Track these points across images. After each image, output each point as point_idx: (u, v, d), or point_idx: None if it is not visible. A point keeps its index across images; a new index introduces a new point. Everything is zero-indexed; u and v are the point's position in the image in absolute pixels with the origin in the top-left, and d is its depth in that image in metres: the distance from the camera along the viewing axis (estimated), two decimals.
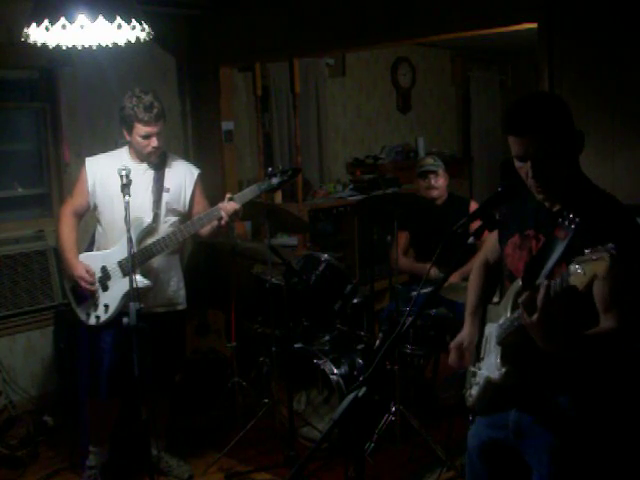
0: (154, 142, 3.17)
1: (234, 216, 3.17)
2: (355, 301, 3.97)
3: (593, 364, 1.81)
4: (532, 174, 1.80)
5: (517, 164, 1.85)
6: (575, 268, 1.51)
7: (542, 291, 1.59)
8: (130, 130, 3.17)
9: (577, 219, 1.61)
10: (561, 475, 1.87)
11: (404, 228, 4.22)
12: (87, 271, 3.19)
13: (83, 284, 3.19)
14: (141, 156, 3.24)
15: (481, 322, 2.11)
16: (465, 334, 2.12)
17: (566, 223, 1.62)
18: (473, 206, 4.19)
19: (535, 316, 1.60)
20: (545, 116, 1.79)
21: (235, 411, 4.08)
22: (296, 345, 3.77)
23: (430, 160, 4.29)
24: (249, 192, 3.22)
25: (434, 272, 3.88)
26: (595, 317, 1.74)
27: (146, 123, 3.12)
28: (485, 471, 2.08)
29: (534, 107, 1.83)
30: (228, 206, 3.14)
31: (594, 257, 1.48)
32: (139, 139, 3.17)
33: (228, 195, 3.20)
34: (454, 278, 3.84)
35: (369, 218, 4.04)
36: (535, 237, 1.90)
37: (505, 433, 1.98)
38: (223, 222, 3.16)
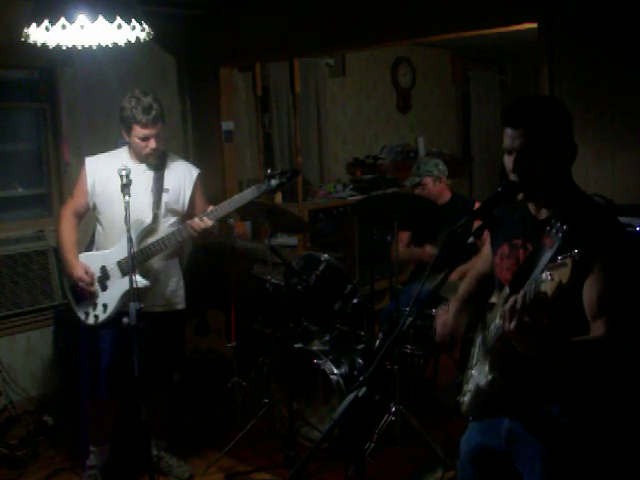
0: (152, 144, 3.17)
1: (205, 234, 3.16)
2: (355, 301, 3.97)
3: (585, 373, 1.81)
4: (513, 167, 1.81)
5: (505, 158, 1.86)
6: (546, 275, 1.52)
7: (519, 299, 1.59)
8: (129, 131, 3.17)
9: (564, 227, 1.61)
10: None
11: (405, 228, 4.22)
12: (86, 272, 3.19)
13: (82, 285, 3.20)
14: (140, 157, 3.24)
15: (463, 315, 2.15)
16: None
17: (553, 231, 1.62)
18: (478, 207, 4.18)
19: (513, 323, 1.60)
20: (542, 114, 1.81)
21: (235, 411, 4.08)
22: (296, 345, 3.77)
23: (414, 169, 4.28)
24: (247, 194, 3.19)
25: (430, 249, 3.93)
26: (582, 325, 1.74)
27: (144, 125, 3.12)
28: (475, 477, 2.08)
29: (535, 104, 1.86)
30: (201, 223, 3.12)
31: (560, 263, 1.50)
32: (137, 141, 3.17)
33: (211, 208, 3.19)
34: (454, 276, 3.84)
35: (369, 218, 4.04)
36: (523, 246, 1.90)
37: (497, 441, 1.97)
38: (194, 235, 3.16)
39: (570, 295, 1.62)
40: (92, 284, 3.20)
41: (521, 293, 1.60)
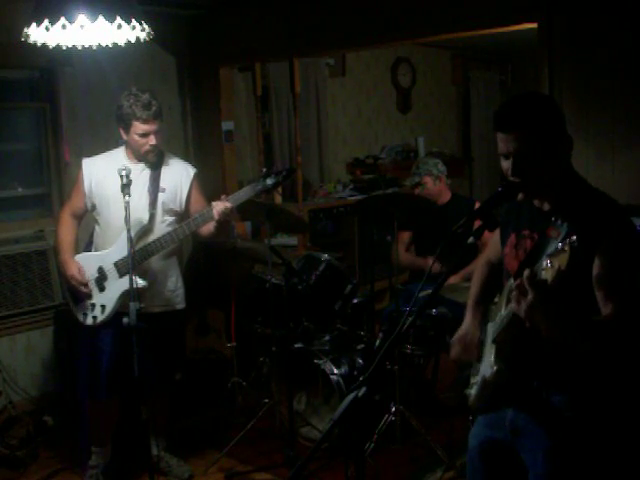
0: (152, 140, 3.17)
1: (225, 214, 3.10)
2: (355, 301, 3.97)
3: (589, 363, 1.82)
4: (511, 171, 1.83)
5: (502, 161, 1.87)
6: (546, 262, 1.54)
7: (525, 276, 1.60)
8: (128, 129, 3.16)
9: (569, 217, 1.63)
10: (555, 475, 1.88)
11: (405, 228, 4.22)
12: (79, 271, 3.20)
13: (74, 283, 3.20)
14: (138, 156, 3.23)
15: (483, 318, 2.13)
16: (466, 326, 2.14)
17: (558, 222, 1.64)
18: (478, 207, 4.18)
19: (523, 302, 1.61)
20: (532, 115, 1.81)
21: (235, 411, 4.08)
22: (296, 345, 3.77)
23: (413, 169, 4.30)
24: (243, 194, 3.18)
25: (436, 267, 3.89)
26: (595, 311, 1.76)
27: (144, 121, 3.12)
28: (484, 470, 2.10)
29: (522, 105, 1.85)
30: (220, 204, 3.09)
31: (560, 250, 1.52)
32: (137, 137, 3.16)
33: (223, 196, 3.18)
34: (455, 279, 3.84)
35: (369, 218, 4.03)
36: (530, 237, 1.93)
37: (503, 433, 1.99)
38: (215, 218, 3.11)
39: (575, 280, 1.62)
40: (85, 284, 3.20)
41: (526, 273, 1.60)
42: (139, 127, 3.13)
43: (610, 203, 1.84)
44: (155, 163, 3.29)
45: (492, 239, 2.21)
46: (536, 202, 1.92)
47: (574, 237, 1.50)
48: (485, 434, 2.08)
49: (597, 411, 1.86)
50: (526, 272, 1.60)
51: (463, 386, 2.12)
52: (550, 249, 1.60)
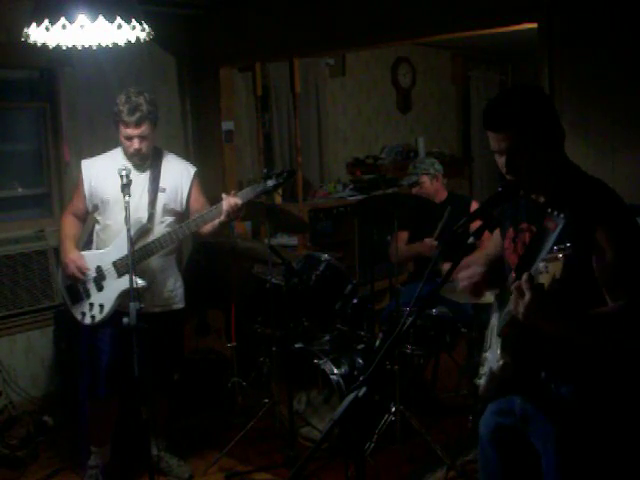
0: (135, 144, 3.17)
1: (234, 210, 3.06)
2: (355, 301, 3.97)
3: (595, 354, 1.83)
4: (505, 169, 1.84)
5: (496, 158, 1.88)
6: (542, 266, 1.55)
7: (523, 281, 1.61)
8: (117, 129, 3.19)
9: (566, 209, 1.63)
10: (567, 465, 1.89)
11: (404, 228, 4.22)
12: (79, 258, 3.21)
13: (73, 267, 3.18)
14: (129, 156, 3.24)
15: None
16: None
17: (555, 213, 1.64)
18: (474, 206, 4.19)
19: (521, 307, 1.62)
20: (521, 113, 1.81)
21: (235, 411, 4.08)
22: (296, 345, 3.77)
23: (410, 168, 4.32)
24: (244, 194, 3.15)
25: (429, 241, 3.94)
26: (596, 303, 1.76)
27: (126, 125, 3.13)
28: (496, 457, 2.11)
29: (510, 104, 1.85)
30: (231, 199, 3.06)
31: (554, 256, 1.53)
32: (122, 139, 3.19)
33: (233, 192, 3.16)
34: (454, 277, 3.84)
35: (369, 218, 4.04)
36: (529, 230, 1.94)
37: (513, 419, 2.01)
38: (223, 217, 3.08)
39: (575, 275, 1.63)
40: (84, 268, 3.20)
41: (524, 277, 1.61)
42: (123, 130, 3.15)
43: (605, 190, 1.85)
44: (155, 163, 3.29)
45: (493, 235, 2.22)
46: (533, 195, 1.94)
47: (568, 244, 1.50)
48: (495, 421, 2.09)
49: (603, 400, 1.87)
50: (524, 275, 1.60)
51: (470, 374, 2.13)
52: (550, 244, 1.60)
